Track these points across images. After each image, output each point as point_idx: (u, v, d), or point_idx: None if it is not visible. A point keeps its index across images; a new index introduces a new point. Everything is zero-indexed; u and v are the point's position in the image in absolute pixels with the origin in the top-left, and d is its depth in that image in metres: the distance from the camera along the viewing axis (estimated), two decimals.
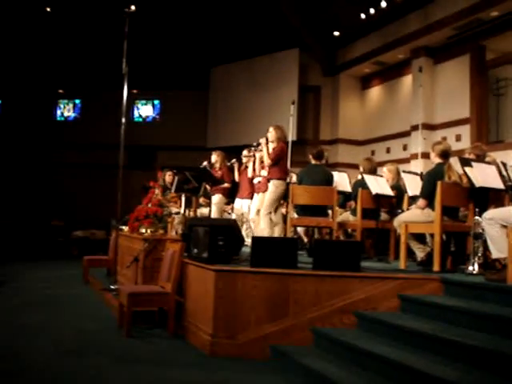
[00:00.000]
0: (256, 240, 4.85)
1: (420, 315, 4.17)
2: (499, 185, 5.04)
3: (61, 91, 17.14)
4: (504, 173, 5.44)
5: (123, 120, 7.14)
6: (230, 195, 8.96)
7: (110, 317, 5.86)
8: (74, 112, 17.52)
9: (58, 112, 17.51)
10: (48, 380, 3.80)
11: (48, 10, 13.35)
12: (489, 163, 5.26)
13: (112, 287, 7.00)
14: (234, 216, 8.63)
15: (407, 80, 12.91)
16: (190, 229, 5.62)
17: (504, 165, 5.56)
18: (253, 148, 7.67)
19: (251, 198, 8.25)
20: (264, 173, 7.35)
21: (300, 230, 8.07)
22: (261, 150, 7.12)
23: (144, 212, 6.51)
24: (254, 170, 7.95)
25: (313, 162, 6.86)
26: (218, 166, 8.74)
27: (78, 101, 17.48)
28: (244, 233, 8.03)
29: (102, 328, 5.41)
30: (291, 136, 7.61)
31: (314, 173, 6.76)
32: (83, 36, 14.52)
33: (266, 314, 4.46)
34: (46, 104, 17.05)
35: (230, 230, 5.17)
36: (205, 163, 8.73)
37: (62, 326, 5.45)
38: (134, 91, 15.07)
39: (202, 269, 4.83)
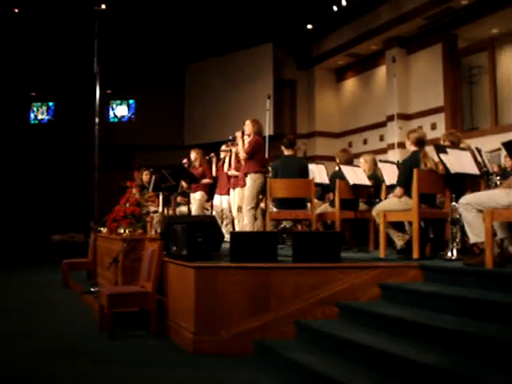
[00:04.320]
0: (235, 235, 4.82)
1: (401, 303, 4.19)
2: (474, 170, 5.08)
3: (33, 94, 16.88)
4: (479, 159, 5.49)
5: (97, 120, 7.06)
6: (209, 192, 8.91)
7: (91, 319, 5.78)
8: (47, 114, 17.29)
9: (32, 115, 17.27)
10: None
11: (16, 10, 13.12)
12: (463, 149, 5.30)
13: (92, 290, 6.91)
14: (213, 213, 8.59)
15: (381, 71, 12.98)
16: (168, 227, 5.57)
17: (479, 151, 5.61)
18: (229, 142, 7.64)
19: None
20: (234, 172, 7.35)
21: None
22: (237, 144, 7.09)
23: (122, 212, 6.42)
24: (229, 164, 7.92)
25: (286, 152, 6.84)
26: (197, 163, 8.70)
27: (51, 103, 17.25)
28: (224, 229, 8.00)
29: (83, 331, 5.35)
30: (268, 131, 7.61)
31: (288, 165, 6.74)
32: (54, 37, 14.30)
33: (247, 308, 4.44)
34: (18, 107, 16.79)
35: (208, 226, 5.14)
36: (184, 161, 8.69)
37: (43, 330, 5.36)
38: (108, 91, 14.90)
39: (182, 266, 4.78)
